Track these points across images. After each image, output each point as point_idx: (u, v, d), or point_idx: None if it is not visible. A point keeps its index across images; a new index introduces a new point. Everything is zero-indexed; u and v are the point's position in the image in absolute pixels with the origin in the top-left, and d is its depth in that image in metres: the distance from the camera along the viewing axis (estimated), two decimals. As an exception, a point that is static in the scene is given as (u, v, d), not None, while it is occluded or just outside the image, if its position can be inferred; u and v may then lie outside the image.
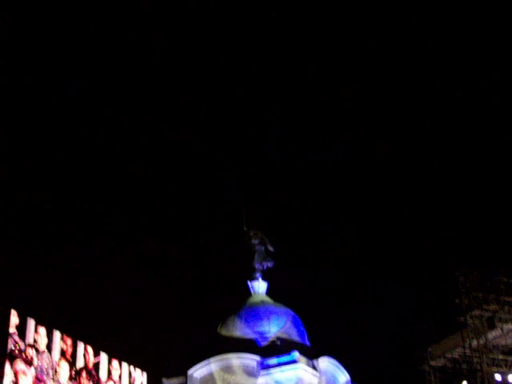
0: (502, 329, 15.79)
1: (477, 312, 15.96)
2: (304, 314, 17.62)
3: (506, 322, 15.76)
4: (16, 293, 13.15)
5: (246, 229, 19.15)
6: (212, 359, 16.50)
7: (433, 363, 16.74)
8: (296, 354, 15.85)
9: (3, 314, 12.45)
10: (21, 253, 16.13)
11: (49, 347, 12.98)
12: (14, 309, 12.27)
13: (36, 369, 12.68)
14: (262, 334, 17.26)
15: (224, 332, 17.61)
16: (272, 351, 16.53)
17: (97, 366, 14.04)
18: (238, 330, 17.45)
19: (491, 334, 15.91)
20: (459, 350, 16.30)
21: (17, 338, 12.31)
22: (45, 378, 12.79)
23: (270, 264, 18.96)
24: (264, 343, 17.09)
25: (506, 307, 15.56)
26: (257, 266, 18.82)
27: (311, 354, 16.55)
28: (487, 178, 17.59)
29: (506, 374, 15.88)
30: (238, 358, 16.42)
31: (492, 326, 15.67)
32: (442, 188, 19.16)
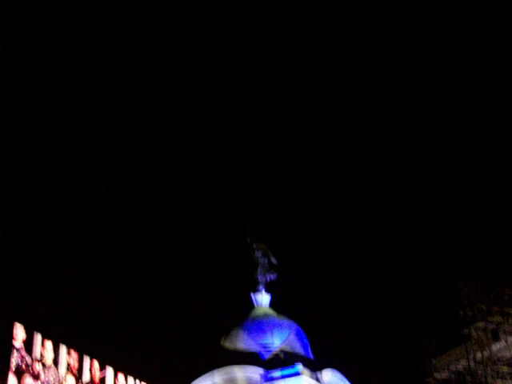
0: (506, 341, 15.75)
1: (481, 324, 15.93)
2: (307, 327, 17.63)
3: (511, 333, 15.73)
4: (23, 307, 13.16)
5: (249, 241, 19.18)
6: (216, 371, 16.47)
7: (437, 375, 16.69)
8: (299, 367, 15.83)
9: (7, 328, 12.46)
10: (26, 267, 16.13)
11: (55, 362, 12.97)
12: (21, 323, 12.27)
13: (43, 383, 12.68)
14: (265, 346, 17.24)
15: (227, 344, 17.59)
16: (275, 364, 16.50)
17: (103, 380, 14.01)
18: (242, 342, 17.42)
19: (495, 346, 15.87)
20: (463, 363, 16.25)
21: (24, 352, 12.31)
22: (52, 392, 12.80)
23: (273, 276, 18.96)
24: (267, 356, 17.07)
25: (511, 319, 15.53)
26: (260, 278, 18.81)
27: (315, 367, 16.52)
28: (491, 189, 17.66)
29: (511, 386, 15.82)
30: (242, 370, 16.39)
31: (496, 338, 15.64)
32: (446, 200, 19.19)
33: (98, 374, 13.99)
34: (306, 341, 17.59)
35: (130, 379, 14.76)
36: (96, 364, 13.88)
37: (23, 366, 12.42)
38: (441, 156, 20.46)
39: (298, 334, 17.49)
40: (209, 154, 22.70)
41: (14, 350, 12.30)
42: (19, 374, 12.49)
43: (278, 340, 17.09)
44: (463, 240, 16.92)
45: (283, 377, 15.81)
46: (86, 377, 13.71)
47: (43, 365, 12.82)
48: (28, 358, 12.53)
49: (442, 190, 20.09)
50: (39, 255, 17.64)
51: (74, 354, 13.41)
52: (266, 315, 17.82)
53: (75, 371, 13.50)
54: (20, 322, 12.33)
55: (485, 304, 16.03)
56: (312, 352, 17.57)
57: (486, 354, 15.73)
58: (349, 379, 16.59)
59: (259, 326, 17.44)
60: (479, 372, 15.95)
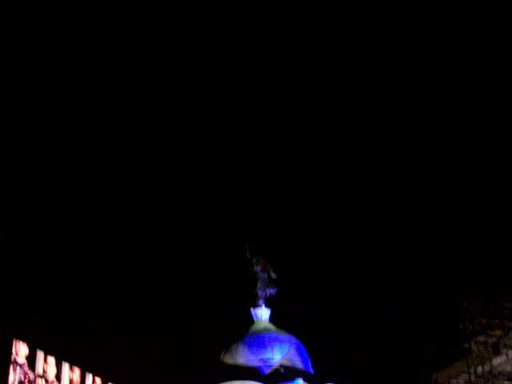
0: (507, 355, 15.72)
1: (481, 338, 15.90)
2: (308, 341, 17.58)
3: (511, 347, 15.70)
4: (25, 324, 13.13)
5: (248, 256, 19.15)
6: (216, 387, 16.41)
7: (438, 390, 16.62)
8: (300, 382, 15.80)
9: (6, 344, 12.44)
10: (29, 282, 16.07)
11: (58, 377, 12.96)
12: (24, 340, 12.27)
13: (45, 399, 12.64)
14: (265, 361, 17.20)
15: (227, 359, 17.55)
16: (276, 378, 16.46)
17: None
18: (242, 357, 17.39)
19: (496, 360, 15.85)
20: (464, 377, 16.22)
21: (26, 368, 12.32)
22: (53, 408, 12.75)
23: (272, 291, 18.95)
24: (268, 371, 17.04)
25: (511, 333, 15.52)
26: (260, 293, 18.79)
27: (315, 382, 16.48)
28: (491, 202, 17.70)
29: (512, 400, 15.77)
30: (242, 385, 16.32)
31: (497, 352, 15.63)
32: (446, 213, 19.21)
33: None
34: (306, 355, 17.56)
35: (132, 395, 14.71)
36: (98, 381, 13.86)
37: (26, 382, 12.41)
38: (441, 167, 20.54)
39: (298, 349, 17.46)
40: (209, 167, 22.75)
41: (17, 367, 12.31)
42: (22, 389, 12.47)
43: (278, 355, 17.05)
44: (463, 254, 16.97)
45: (284, 392, 15.75)
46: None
47: (46, 380, 12.81)
48: (31, 374, 12.53)
49: (443, 203, 20.15)
50: (42, 272, 17.61)
51: (76, 370, 13.40)
52: (265, 330, 17.78)
53: (78, 387, 13.46)
54: (22, 339, 12.34)
55: (485, 318, 16.01)
56: (312, 367, 17.54)
57: (486, 368, 15.70)
58: (349, 394, 16.53)
59: (259, 341, 17.40)
60: (480, 386, 15.91)
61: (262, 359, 17.75)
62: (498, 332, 15.72)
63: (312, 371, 18.30)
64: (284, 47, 23.41)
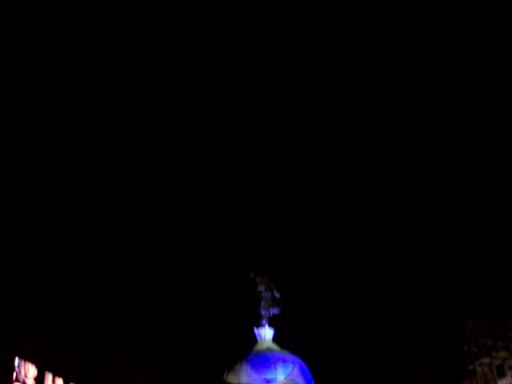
0: (512, 376, 15.67)
1: (486, 359, 15.85)
2: (311, 361, 17.55)
3: (516, 369, 15.64)
4: (33, 345, 13.10)
5: (252, 275, 19.13)
6: (220, 407, 16.34)
7: (443, 411, 16.53)
8: (304, 402, 15.72)
9: (8, 362, 12.40)
10: (38, 305, 16.01)
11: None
12: (32, 362, 12.23)
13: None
14: (269, 381, 17.14)
15: (231, 379, 17.48)
16: (279, 399, 16.37)
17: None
18: (245, 377, 17.33)
19: (501, 382, 15.79)
20: (469, 399, 16.15)
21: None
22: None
23: (276, 311, 18.92)
24: (271, 391, 16.98)
25: (516, 354, 15.49)
26: (263, 312, 18.76)
27: (319, 402, 16.41)
28: (495, 222, 17.71)
29: (517, 422, 15.69)
30: (246, 406, 16.24)
31: (502, 374, 15.59)
32: (449, 234, 19.20)
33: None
34: (309, 376, 17.51)
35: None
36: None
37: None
38: (443, 190, 20.57)
39: (301, 369, 17.40)
40: (212, 191, 22.71)
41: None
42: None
43: (281, 375, 17.01)
44: (468, 275, 16.93)
45: (287, 412, 15.67)
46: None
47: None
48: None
49: (445, 223, 20.12)
50: (52, 295, 17.56)
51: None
52: (269, 350, 17.73)
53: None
54: (31, 361, 12.29)
55: (490, 339, 15.98)
56: (315, 387, 17.48)
57: (491, 390, 15.65)
58: (353, 415, 16.44)
59: (263, 361, 17.35)
60: (485, 408, 15.84)
61: (265, 379, 17.69)
62: (503, 354, 15.68)
63: (315, 391, 18.24)
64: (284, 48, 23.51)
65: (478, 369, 15.77)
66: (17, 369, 12.90)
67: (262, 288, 19.81)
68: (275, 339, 19.33)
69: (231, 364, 18.38)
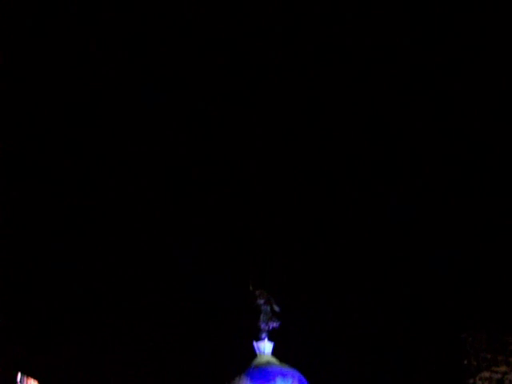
0: (512, 391, 15.72)
1: (486, 374, 15.78)
2: (310, 375, 17.33)
3: (516, 384, 15.70)
4: (35, 360, 13.18)
5: (251, 288, 18.93)
6: (217, 422, 16.18)
7: (442, 427, 16.57)
8: (303, 417, 15.53)
9: (11, 377, 12.56)
10: (40, 320, 16.03)
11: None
12: (35, 378, 12.35)
13: None
14: (268, 395, 16.99)
15: (229, 394, 17.33)
16: (278, 413, 16.20)
17: None
18: (244, 391, 17.18)
19: (501, 396, 15.82)
20: (469, 413, 16.18)
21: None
22: None
23: (275, 324, 18.70)
24: (270, 405, 16.81)
25: (516, 369, 15.51)
26: (262, 326, 18.53)
27: (318, 417, 16.22)
28: (495, 236, 17.66)
29: None
30: (244, 421, 16.06)
31: (502, 389, 15.59)
32: (448, 247, 19.07)
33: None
34: (309, 390, 17.36)
35: None
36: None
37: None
38: (442, 204, 20.47)
39: (300, 383, 17.21)
40: (210, 203, 22.58)
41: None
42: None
43: (280, 389, 16.88)
44: (467, 288, 16.87)
45: (286, 427, 15.54)
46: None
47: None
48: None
49: (444, 236, 20.03)
50: (55, 313, 17.56)
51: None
52: (268, 363, 17.47)
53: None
54: (33, 376, 12.40)
55: (490, 353, 15.91)
56: (315, 401, 17.30)
57: (491, 404, 15.69)
58: (352, 430, 16.36)
59: (262, 375, 17.11)
60: (485, 423, 15.90)
61: (264, 393, 17.49)
62: (503, 368, 15.59)
63: (314, 406, 17.99)
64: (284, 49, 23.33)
65: (478, 383, 15.66)
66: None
67: (261, 301, 19.57)
68: (274, 353, 19.07)
69: (230, 378, 18.12)
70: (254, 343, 17.94)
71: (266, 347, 18.65)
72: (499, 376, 13.78)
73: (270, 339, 18.64)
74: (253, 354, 17.18)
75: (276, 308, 18.23)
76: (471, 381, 13.71)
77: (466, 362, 13.92)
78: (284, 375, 17.61)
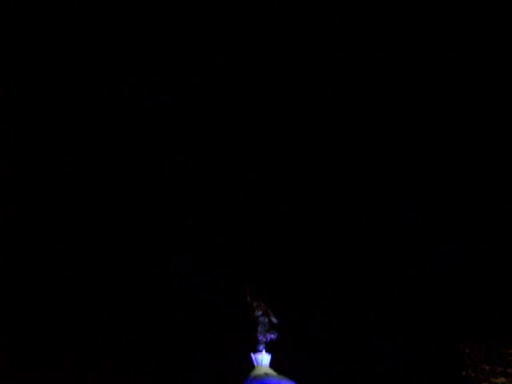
0: (510, 403, 15.65)
1: (484, 385, 15.79)
2: (308, 387, 17.44)
3: (515, 395, 15.63)
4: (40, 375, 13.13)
5: (249, 300, 18.98)
6: (215, 434, 16.21)
7: None
8: (300, 429, 15.54)
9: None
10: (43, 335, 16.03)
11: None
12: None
13: None
14: (265, 407, 16.98)
15: (227, 405, 17.33)
16: (276, 425, 16.21)
17: None
18: (242, 403, 17.19)
19: (499, 408, 15.75)
20: (467, 425, 16.09)
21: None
22: None
23: (273, 336, 18.74)
24: (268, 417, 16.81)
25: (515, 380, 15.44)
26: (260, 337, 18.57)
27: (316, 429, 16.24)
28: (495, 244, 17.71)
29: None
30: (242, 432, 16.09)
31: (500, 400, 15.53)
32: (446, 257, 19.16)
33: None
34: (306, 402, 17.34)
35: None
36: None
37: None
38: (441, 215, 20.53)
39: (298, 395, 17.25)
40: (208, 210, 22.63)
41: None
42: None
43: (278, 401, 16.85)
44: (466, 300, 16.86)
45: None
46: None
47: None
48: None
49: (443, 246, 20.10)
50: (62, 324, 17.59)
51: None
52: (266, 375, 17.53)
53: None
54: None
55: (488, 365, 15.91)
56: (313, 414, 17.30)
57: (490, 416, 15.61)
58: None
59: (260, 387, 17.23)
60: None
61: (262, 405, 17.51)
62: (502, 379, 15.59)
63: (313, 418, 18.04)
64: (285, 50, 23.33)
65: (477, 395, 15.68)
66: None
67: (259, 313, 19.63)
68: (272, 365, 19.12)
69: (228, 390, 18.25)
70: (252, 355, 17.70)
71: (263, 359, 18.39)
72: (498, 387, 13.75)
73: (267, 351, 18.39)
74: (251, 365, 16.92)
75: (274, 320, 17.92)
76: (470, 392, 13.69)
77: (464, 373, 13.90)
78: (282, 387, 16.70)
